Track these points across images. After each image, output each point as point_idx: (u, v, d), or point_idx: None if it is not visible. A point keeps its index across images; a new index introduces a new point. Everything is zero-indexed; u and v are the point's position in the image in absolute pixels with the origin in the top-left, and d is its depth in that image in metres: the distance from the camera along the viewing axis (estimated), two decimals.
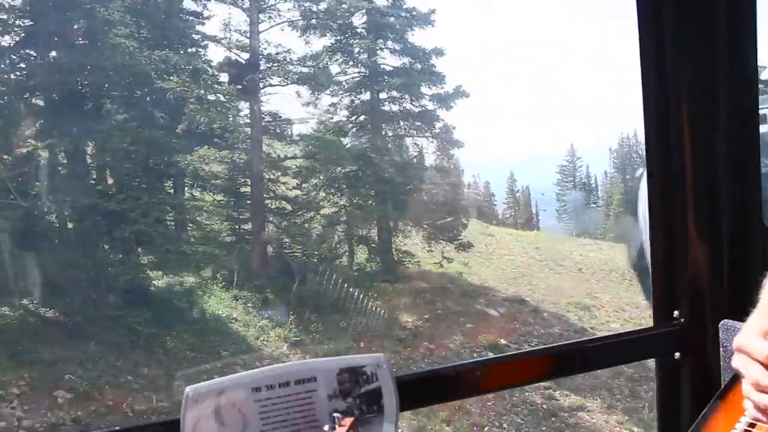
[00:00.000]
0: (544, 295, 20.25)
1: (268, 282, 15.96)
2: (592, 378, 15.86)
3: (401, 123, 19.21)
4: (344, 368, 1.44)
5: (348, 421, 1.33)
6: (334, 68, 18.62)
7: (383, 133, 18.92)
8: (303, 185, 17.73)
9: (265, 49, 16.71)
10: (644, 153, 2.04)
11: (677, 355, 1.95)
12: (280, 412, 1.39)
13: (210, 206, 15.51)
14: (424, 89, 19.03)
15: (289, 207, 17.02)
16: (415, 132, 19.25)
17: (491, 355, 15.13)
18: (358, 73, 18.76)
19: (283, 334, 14.79)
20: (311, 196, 17.83)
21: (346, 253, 18.47)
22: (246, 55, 16.44)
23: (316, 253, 16.42)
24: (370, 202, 18.38)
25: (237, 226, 16.82)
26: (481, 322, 17.44)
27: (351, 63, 18.73)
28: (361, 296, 17.09)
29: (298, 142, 17.51)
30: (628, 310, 21.12)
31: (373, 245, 18.56)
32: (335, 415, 1.36)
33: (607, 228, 46.21)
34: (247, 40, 16.52)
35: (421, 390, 1.72)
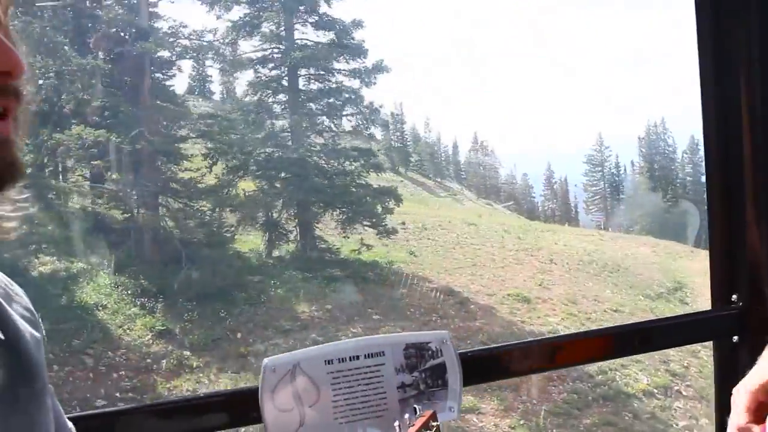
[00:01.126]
0: (484, 286, 18.71)
1: (153, 268, 15.10)
2: None
3: (322, 101, 18.03)
4: (410, 344, 1.48)
5: (428, 412, 1.26)
6: (246, 45, 17.63)
7: (302, 111, 17.77)
8: (211, 168, 16.81)
9: (155, 22, 15.84)
10: (702, 137, 2.04)
11: (735, 338, 1.94)
12: (350, 383, 1.43)
13: (77, 187, 14.69)
14: (341, 65, 17.85)
15: (184, 190, 16.06)
16: (335, 111, 18.03)
17: None
18: (272, 48, 17.70)
19: (150, 323, 13.89)
20: (221, 179, 16.91)
21: (265, 240, 17.45)
22: (132, 29, 15.60)
23: (204, 238, 15.40)
24: (277, 184, 17.27)
25: (133, 211, 16.04)
26: (391, 313, 16.12)
27: (267, 39, 17.67)
28: (262, 284, 16.10)
29: (198, 122, 16.53)
30: (583, 303, 19.36)
31: (283, 231, 17.44)
32: (415, 406, 1.37)
33: (634, 219, 43.78)
34: (135, 13, 15.68)
35: (483, 366, 1.71)
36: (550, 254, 23.50)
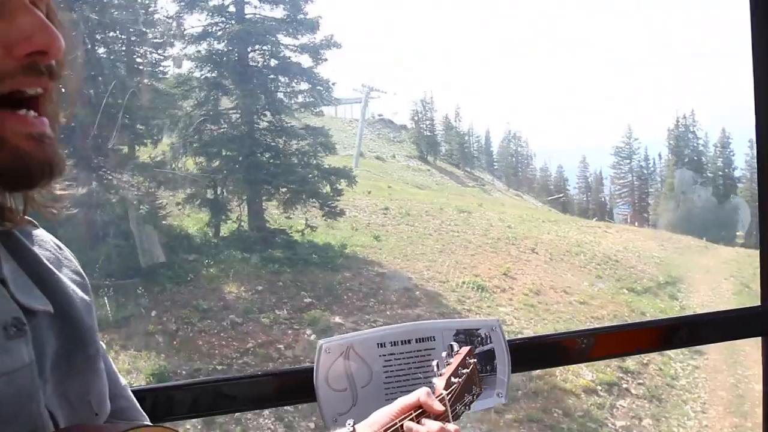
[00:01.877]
0: (440, 273, 17.87)
1: (77, 244, 14.81)
2: None
3: (271, 77, 17.48)
4: (461, 330, 1.51)
5: (465, 350, 1.28)
6: (192, 19, 17.16)
7: (251, 88, 17.23)
8: (156, 144, 16.47)
9: None
10: (755, 136, 2.01)
11: None
12: (401, 366, 1.46)
13: None
14: (292, 40, 17.24)
15: (119, 165, 15.75)
16: (284, 87, 17.44)
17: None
18: (220, 22, 17.20)
19: None
20: (162, 156, 16.54)
21: (210, 219, 17.01)
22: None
23: (135, 215, 15.04)
24: (223, 162, 16.79)
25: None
26: (326, 297, 15.47)
27: (215, 12, 17.18)
28: (194, 263, 15.68)
29: (140, 97, 16.13)
30: (548, 293, 18.31)
31: (227, 210, 16.96)
32: (452, 343, 1.35)
33: (659, 212, 42.02)
34: None
35: (531, 354, 1.78)
36: (535, 244, 22.47)
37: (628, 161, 45.68)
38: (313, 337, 14.04)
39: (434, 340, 1.48)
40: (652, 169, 45.45)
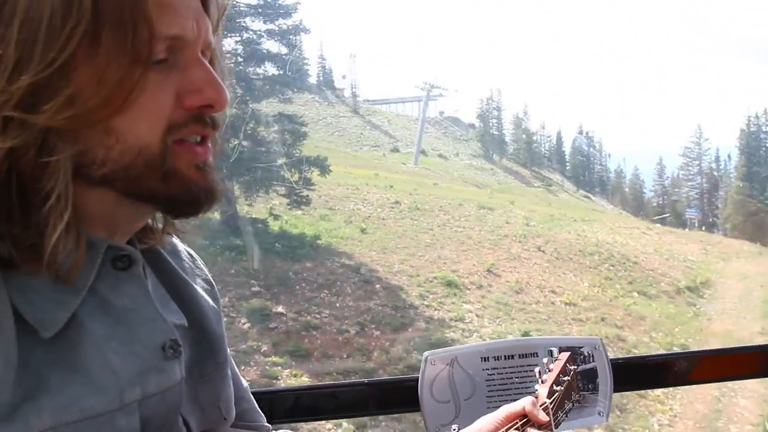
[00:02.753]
0: (414, 267, 17.08)
1: None
2: None
3: (243, 63, 17.25)
4: (563, 347, 1.44)
5: (564, 355, 1.28)
6: None
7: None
8: None
9: None
10: None
11: None
12: (504, 380, 1.49)
13: None
14: (262, 25, 16.95)
15: None
16: (254, 73, 17.16)
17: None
18: None
19: None
20: None
21: None
22: None
23: None
24: None
25: None
26: (276, 286, 15.02)
27: None
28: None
29: None
30: (531, 293, 17.15)
31: None
32: (551, 349, 1.35)
33: (725, 217, 39.28)
34: None
35: (634, 374, 1.74)
36: (545, 242, 21.26)
37: (697, 163, 42.97)
38: (247, 326, 13.67)
39: (536, 356, 1.48)
40: (722, 171, 42.56)
